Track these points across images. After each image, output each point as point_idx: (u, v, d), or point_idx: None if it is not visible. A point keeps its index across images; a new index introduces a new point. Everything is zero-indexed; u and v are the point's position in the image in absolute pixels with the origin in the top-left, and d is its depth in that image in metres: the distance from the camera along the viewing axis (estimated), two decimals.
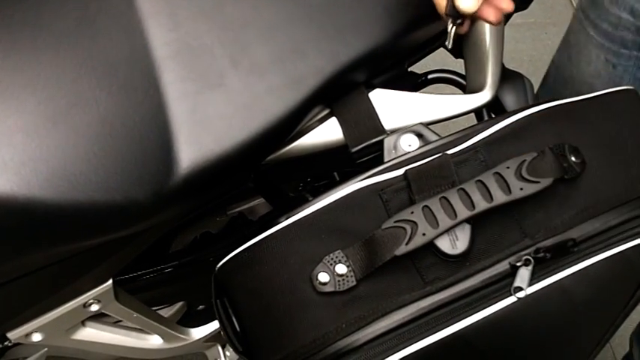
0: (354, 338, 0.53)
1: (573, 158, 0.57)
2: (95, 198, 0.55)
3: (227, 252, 0.59)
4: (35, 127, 0.55)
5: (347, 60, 0.62)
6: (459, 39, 0.71)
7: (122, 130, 0.57)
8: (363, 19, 0.63)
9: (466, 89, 0.73)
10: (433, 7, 0.60)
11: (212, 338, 0.94)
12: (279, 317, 0.54)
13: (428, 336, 0.53)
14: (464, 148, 0.58)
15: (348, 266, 0.53)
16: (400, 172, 0.56)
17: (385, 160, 0.61)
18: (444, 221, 0.53)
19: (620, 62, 0.81)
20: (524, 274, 0.54)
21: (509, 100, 0.72)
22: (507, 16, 0.75)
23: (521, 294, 0.54)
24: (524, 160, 0.55)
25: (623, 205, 0.57)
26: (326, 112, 0.66)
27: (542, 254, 0.54)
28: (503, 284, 0.54)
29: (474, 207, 0.53)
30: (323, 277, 0.53)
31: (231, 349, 0.77)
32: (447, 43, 0.62)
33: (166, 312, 0.93)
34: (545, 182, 0.54)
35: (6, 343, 0.71)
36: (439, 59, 0.76)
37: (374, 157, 0.64)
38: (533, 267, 0.54)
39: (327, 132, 0.65)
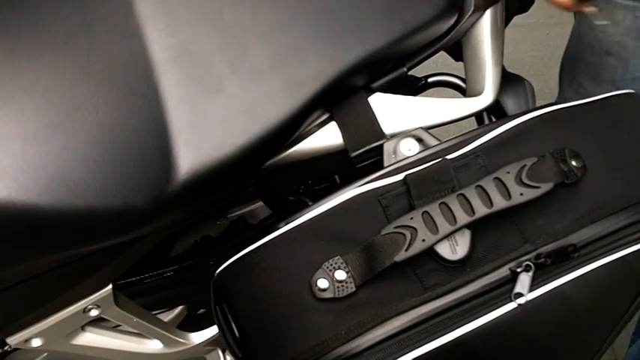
0: (353, 345, 0.52)
1: (574, 163, 0.56)
2: (94, 204, 0.55)
3: (227, 256, 0.58)
4: (34, 133, 0.55)
5: (346, 64, 0.62)
6: (459, 42, 0.71)
7: (121, 136, 0.56)
8: (363, 23, 0.63)
9: (466, 93, 0.73)
10: (433, 11, 0.60)
11: (212, 342, 0.93)
12: (278, 323, 0.54)
13: (428, 342, 0.52)
14: (464, 153, 0.57)
15: (347, 272, 0.53)
16: (400, 177, 0.56)
17: (385, 164, 0.61)
18: (444, 227, 0.53)
19: None
20: (524, 280, 0.54)
21: (509, 103, 0.71)
22: (508, 18, 0.75)
23: (521, 300, 0.53)
24: (525, 165, 0.54)
25: (623, 210, 0.57)
26: (325, 116, 0.66)
27: (542, 260, 0.54)
28: (504, 290, 0.54)
29: (473, 212, 0.53)
30: (322, 283, 0.53)
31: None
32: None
33: (166, 316, 0.93)
34: (546, 187, 0.54)
35: (5, 349, 0.71)
36: (439, 62, 0.76)
37: (374, 161, 0.64)
38: (534, 273, 0.54)
39: (327, 136, 0.65)
